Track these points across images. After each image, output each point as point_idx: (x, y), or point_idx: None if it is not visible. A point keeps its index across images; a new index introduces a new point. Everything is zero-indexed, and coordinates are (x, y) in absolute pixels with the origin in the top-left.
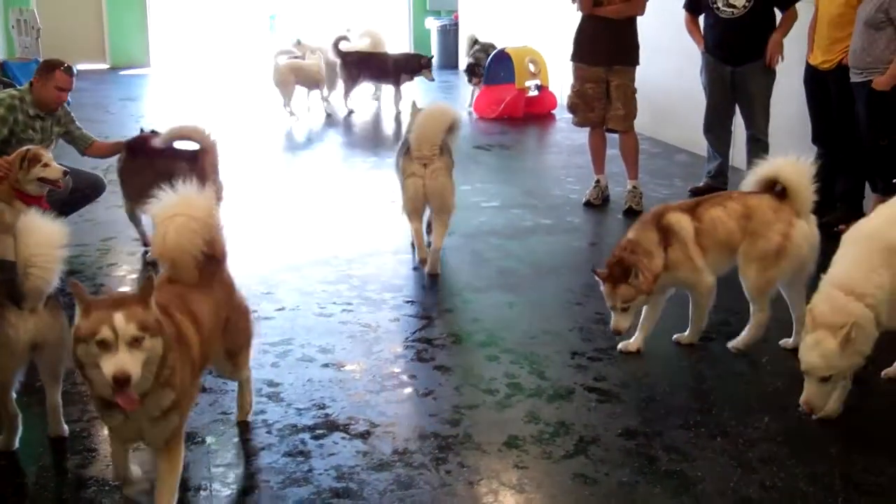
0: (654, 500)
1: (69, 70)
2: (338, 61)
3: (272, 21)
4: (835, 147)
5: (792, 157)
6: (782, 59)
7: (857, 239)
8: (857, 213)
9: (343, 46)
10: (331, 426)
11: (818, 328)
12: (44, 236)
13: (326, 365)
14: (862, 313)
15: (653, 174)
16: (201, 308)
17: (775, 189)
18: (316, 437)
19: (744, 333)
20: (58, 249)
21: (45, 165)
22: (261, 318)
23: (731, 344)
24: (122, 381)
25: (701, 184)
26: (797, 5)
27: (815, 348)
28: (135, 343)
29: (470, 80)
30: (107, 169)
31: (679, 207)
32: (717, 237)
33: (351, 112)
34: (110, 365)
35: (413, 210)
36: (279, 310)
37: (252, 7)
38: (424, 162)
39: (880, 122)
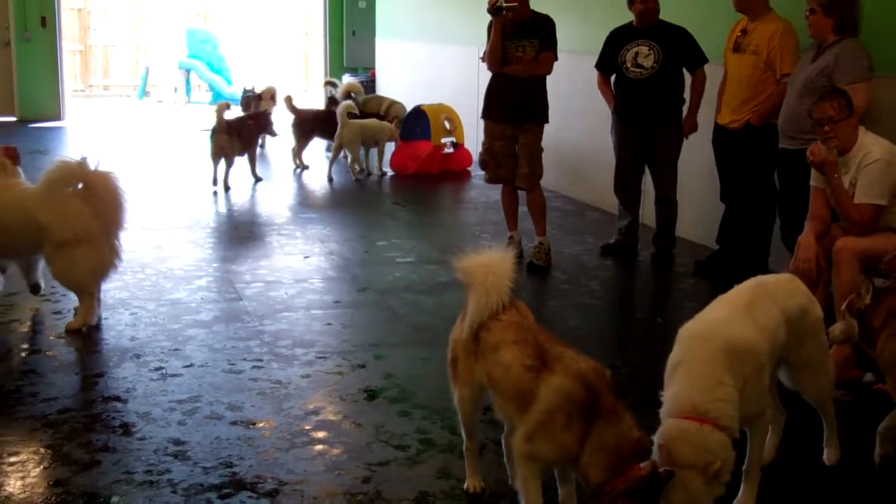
0: None
1: None
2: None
3: (143, 78)
4: (742, 205)
5: None
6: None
7: (691, 342)
8: (763, 270)
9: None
10: (238, 485)
11: (681, 468)
12: None
13: (235, 422)
14: (723, 445)
15: (566, 231)
16: None
17: None
18: (222, 497)
19: None
20: None
21: None
22: (167, 375)
23: None
24: None
25: (612, 241)
26: (706, 67)
27: (683, 490)
28: None
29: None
30: None
31: None
32: None
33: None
34: None
35: None
36: (187, 367)
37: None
38: None
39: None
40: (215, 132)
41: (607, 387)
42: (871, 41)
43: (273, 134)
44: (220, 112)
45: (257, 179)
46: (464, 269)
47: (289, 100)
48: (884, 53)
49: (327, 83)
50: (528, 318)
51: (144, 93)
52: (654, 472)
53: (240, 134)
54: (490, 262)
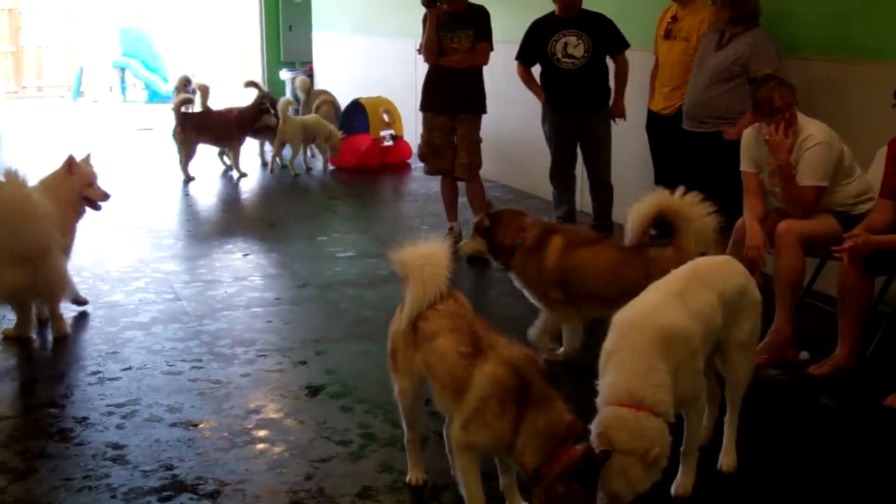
0: None
1: None
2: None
3: (78, 78)
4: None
5: None
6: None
7: (625, 329)
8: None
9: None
10: (178, 487)
11: (620, 455)
12: None
13: (174, 424)
14: (660, 431)
15: None
16: None
17: None
18: (163, 500)
19: None
20: None
21: None
22: (105, 379)
23: None
24: None
25: None
26: (636, 54)
27: (622, 476)
28: None
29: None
30: None
31: None
32: None
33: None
34: None
35: None
36: (125, 370)
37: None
38: None
39: (725, 170)
40: (174, 127)
41: (538, 373)
42: (772, 26)
43: (267, 128)
44: (175, 108)
45: (241, 175)
46: (401, 260)
47: (203, 91)
48: (784, 37)
49: (250, 84)
50: (465, 307)
51: (79, 93)
52: (589, 453)
53: (197, 128)
54: (427, 254)
